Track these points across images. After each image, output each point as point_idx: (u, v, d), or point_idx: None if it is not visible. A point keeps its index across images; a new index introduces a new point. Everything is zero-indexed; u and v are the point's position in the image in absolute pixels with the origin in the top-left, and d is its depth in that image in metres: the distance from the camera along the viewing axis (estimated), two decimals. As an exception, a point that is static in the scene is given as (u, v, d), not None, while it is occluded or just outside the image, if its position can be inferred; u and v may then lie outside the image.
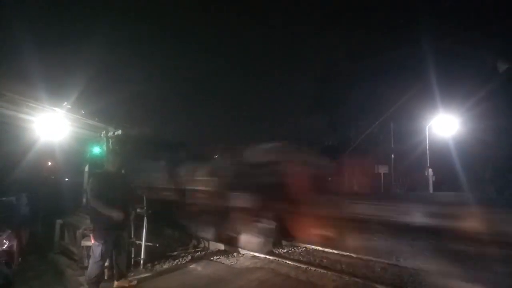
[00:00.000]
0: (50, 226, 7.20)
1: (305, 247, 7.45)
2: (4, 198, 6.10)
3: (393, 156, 25.19)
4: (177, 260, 6.30)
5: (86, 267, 4.69)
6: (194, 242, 7.79)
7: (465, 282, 5.00)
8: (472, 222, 6.19)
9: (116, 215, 4.32)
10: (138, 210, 5.71)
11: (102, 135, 6.70)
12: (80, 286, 4.84)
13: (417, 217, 6.96)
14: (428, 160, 19.81)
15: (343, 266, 6.12)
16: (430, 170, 19.09)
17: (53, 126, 5.81)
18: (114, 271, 4.82)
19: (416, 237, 6.74)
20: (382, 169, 25.35)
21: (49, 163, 11.30)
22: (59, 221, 6.97)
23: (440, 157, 19.93)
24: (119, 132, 6.64)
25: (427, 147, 20.31)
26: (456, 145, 19.38)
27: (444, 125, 19.85)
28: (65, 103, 5.70)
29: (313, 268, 5.66)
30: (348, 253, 6.71)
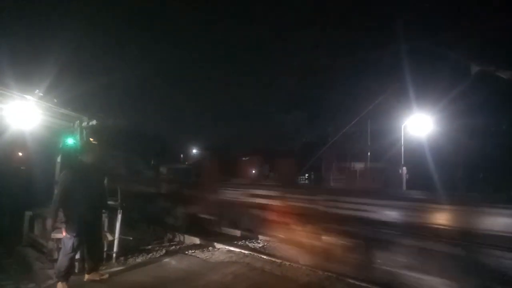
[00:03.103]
0: (18, 218, 6.95)
1: (280, 242, 7.50)
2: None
3: (369, 153, 25.68)
4: (151, 254, 6.21)
5: (56, 260, 4.57)
6: (169, 235, 7.71)
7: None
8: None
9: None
10: (112, 202, 5.60)
11: (75, 125, 6.50)
12: (49, 279, 4.71)
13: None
14: (403, 159, 20.25)
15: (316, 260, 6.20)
16: (404, 168, 19.53)
17: (23, 114, 5.58)
18: (85, 264, 4.72)
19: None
20: (358, 166, 25.84)
21: (19, 153, 10.92)
22: (28, 213, 6.74)
23: (414, 156, 20.43)
24: (94, 122, 6.45)
25: (402, 146, 20.75)
26: (430, 144, 19.91)
27: (419, 124, 20.31)
28: (37, 90, 5.49)
29: (287, 263, 5.69)
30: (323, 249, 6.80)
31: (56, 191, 4.34)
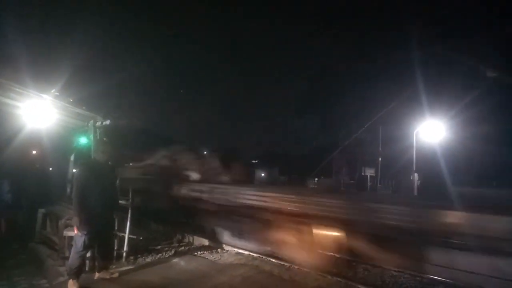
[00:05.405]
0: (32, 215, 7.07)
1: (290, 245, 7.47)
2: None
3: (380, 159, 25.45)
4: (160, 254, 6.25)
5: (67, 258, 4.62)
6: (179, 236, 7.74)
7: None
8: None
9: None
10: (123, 202, 5.65)
11: (89, 124, 6.58)
12: (60, 276, 4.78)
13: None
14: (414, 165, 20.01)
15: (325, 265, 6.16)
16: (415, 174, 19.28)
17: (39, 113, 5.67)
18: (96, 263, 4.77)
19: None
20: (369, 172, 25.62)
21: (34, 151, 11.09)
22: (41, 210, 6.86)
23: (426, 162, 20.18)
24: (108, 122, 6.52)
25: (414, 152, 20.51)
26: (443, 151, 19.64)
27: (431, 131, 20.05)
28: (53, 90, 5.58)
29: (296, 267, 5.66)
30: (332, 253, 6.75)
31: (73, 189, 4.37)
